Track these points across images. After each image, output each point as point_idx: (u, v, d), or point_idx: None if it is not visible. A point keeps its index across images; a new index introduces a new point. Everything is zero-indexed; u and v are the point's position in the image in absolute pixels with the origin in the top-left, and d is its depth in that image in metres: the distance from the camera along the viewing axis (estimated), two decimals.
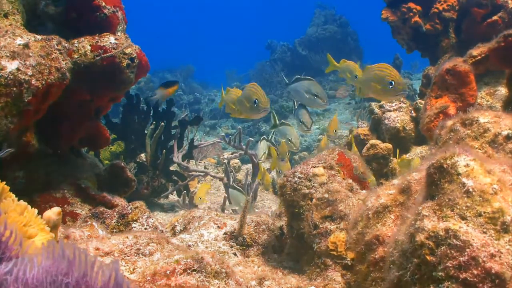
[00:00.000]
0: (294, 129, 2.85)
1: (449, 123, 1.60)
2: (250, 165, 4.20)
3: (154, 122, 3.82)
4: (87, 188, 2.30)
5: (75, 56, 2.10)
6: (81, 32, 2.21)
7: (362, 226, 1.52)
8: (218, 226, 2.02)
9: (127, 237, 1.56)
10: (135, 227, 2.10)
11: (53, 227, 1.19)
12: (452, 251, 0.97)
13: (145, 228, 2.09)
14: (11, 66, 1.69)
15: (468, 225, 0.98)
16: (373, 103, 3.36)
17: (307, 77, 2.41)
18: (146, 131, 3.85)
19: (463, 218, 1.00)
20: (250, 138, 4.23)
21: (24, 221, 1.06)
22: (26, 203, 1.14)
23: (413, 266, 1.05)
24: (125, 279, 0.72)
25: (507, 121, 1.46)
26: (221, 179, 3.96)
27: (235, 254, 1.89)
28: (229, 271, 1.53)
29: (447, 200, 1.04)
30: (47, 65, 1.80)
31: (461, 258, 0.95)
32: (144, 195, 3.59)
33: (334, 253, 1.65)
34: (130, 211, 2.17)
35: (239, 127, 4.48)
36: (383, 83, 1.96)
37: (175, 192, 3.94)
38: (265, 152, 3.27)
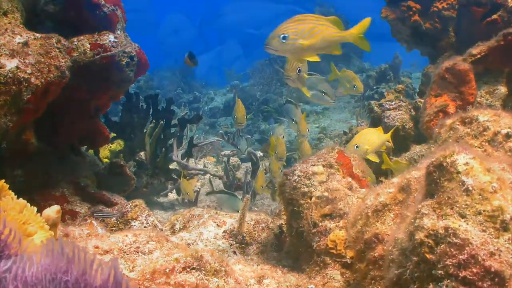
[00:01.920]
0: (282, 128, 2.84)
1: (449, 121, 1.60)
2: (249, 164, 4.20)
3: (153, 121, 3.82)
4: (87, 186, 2.30)
5: (75, 54, 2.10)
6: (80, 30, 2.21)
7: (361, 224, 1.52)
8: (217, 225, 2.02)
9: (126, 236, 1.56)
10: (134, 225, 2.10)
11: (52, 225, 1.19)
12: (452, 249, 0.97)
13: (145, 227, 2.09)
14: (11, 64, 1.68)
15: (467, 224, 0.98)
16: (372, 102, 3.36)
17: (313, 73, 2.40)
18: (145, 130, 3.84)
19: (462, 216, 1.00)
20: (248, 136, 4.23)
21: (23, 219, 1.06)
22: (25, 201, 1.14)
23: (413, 265, 1.06)
24: (124, 277, 0.72)
25: (506, 119, 1.46)
26: (220, 177, 3.96)
27: (234, 253, 1.89)
28: (229, 269, 1.53)
29: (446, 198, 1.04)
30: (47, 63, 1.80)
31: (460, 257, 0.95)
32: (143, 193, 3.59)
33: (334, 251, 1.65)
34: (130, 209, 2.17)
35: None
36: None
37: (174, 191, 3.94)
38: (246, 148, 3.30)
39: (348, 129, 4.06)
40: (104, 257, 1.42)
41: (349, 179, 1.82)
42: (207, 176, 4.30)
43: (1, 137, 1.77)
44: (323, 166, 1.80)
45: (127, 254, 1.48)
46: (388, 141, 2.63)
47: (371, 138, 2.30)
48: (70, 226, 1.84)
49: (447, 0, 3.66)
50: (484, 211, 0.99)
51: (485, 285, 0.92)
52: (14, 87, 1.67)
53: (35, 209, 1.14)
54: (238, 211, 2.01)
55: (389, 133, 2.54)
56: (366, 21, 1.87)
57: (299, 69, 2.06)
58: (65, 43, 1.97)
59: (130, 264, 1.42)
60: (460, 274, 0.94)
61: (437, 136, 1.65)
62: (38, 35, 1.86)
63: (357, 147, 2.23)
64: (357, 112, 6.57)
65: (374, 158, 2.36)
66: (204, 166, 5.02)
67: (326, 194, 1.70)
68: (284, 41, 1.77)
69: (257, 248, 1.94)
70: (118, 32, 2.32)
